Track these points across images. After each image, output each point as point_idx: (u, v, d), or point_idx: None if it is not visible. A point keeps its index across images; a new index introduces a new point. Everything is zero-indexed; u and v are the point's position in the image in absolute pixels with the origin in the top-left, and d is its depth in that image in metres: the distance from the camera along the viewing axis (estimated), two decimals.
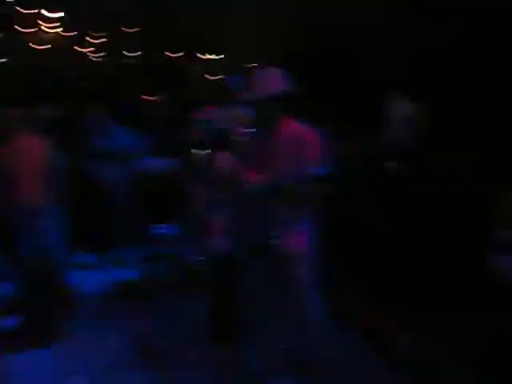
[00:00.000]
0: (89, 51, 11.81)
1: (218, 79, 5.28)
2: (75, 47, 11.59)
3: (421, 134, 5.51)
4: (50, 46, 11.13)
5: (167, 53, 11.83)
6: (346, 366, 3.34)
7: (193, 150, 2.94)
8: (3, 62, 9.86)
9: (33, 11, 10.78)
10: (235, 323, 3.19)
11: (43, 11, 10.88)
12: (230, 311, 3.24)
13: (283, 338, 3.12)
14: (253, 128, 3.13)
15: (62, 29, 11.26)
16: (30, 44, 10.85)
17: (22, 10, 10.58)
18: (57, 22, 11.03)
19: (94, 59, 11.78)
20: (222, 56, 11.76)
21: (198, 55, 11.94)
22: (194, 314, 3.82)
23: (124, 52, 11.88)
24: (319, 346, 3.18)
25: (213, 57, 12.08)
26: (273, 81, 2.94)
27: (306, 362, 3.27)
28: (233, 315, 3.23)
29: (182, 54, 11.83)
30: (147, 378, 3.33)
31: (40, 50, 10.93)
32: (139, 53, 11.85)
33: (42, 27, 11.02)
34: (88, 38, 11.82)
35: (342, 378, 3.25)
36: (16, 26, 10.70)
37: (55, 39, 11.28)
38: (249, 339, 2.94)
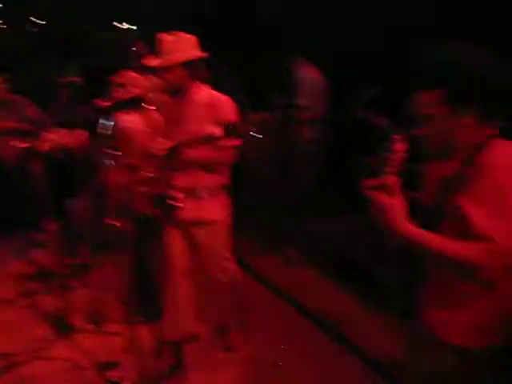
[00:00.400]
0: None
1: (129, 47, 5.15)
2: None
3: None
4: None
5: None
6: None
7: (101, 120, 2.83)
8: None
9: None
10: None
11: None
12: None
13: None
14: (163, 93, 3.05)
15: None
16: None
17: None
18: None
19: None
20: (135, 27, 11.50)
21: (116, 24, 11.54)
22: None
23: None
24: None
25: (128, 26, 11.85)
26: (182, 46, 2.89)
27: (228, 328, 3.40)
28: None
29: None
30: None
31: None
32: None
33: None
34: None
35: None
36: None
37: None
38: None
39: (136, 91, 3.13)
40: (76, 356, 3.32)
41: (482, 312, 1.59)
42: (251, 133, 5.18)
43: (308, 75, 5.34)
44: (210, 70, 3.08)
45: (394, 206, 1.48)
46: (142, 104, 3.21)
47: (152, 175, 2.54)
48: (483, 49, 1.54)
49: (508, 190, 1.46)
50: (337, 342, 3.46)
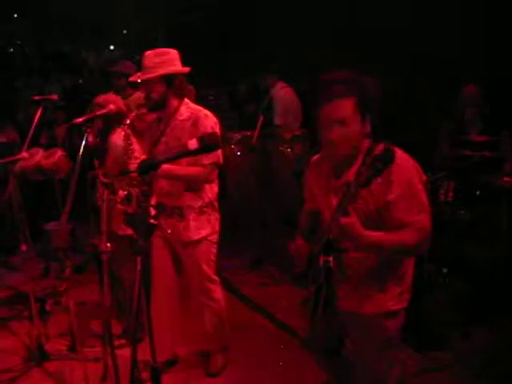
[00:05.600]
0: None
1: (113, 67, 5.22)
2: None
3: None
4: None
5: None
6: None
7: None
8: None
9: None
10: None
11: None
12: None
13: None
14: (144, 108, 3.01)
15: None
16: None
17: None
18: None
19: None
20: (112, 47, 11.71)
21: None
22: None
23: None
24: None
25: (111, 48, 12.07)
26: (162, 61, 2.84)
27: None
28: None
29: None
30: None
31: None
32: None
33: None
34: None
35: None
36: None
37: None
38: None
39: (112, 107, 3.05)
40: None
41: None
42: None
43: (283, 94, 5.39)
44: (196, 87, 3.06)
45: (353, 222, 1.82)
46: (119, 120, 3.15)
47: (128, 193, 2.46)
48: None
49: (415, 185, 1.94)
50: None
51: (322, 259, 1.86)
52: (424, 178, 1.99)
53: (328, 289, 1.89)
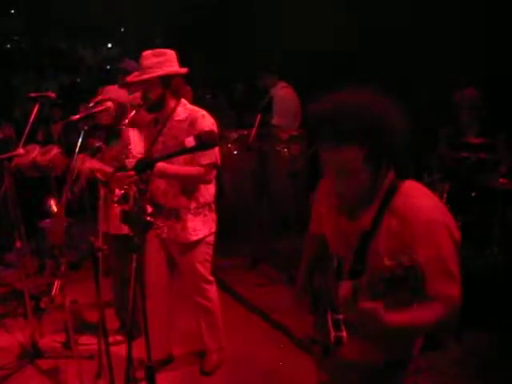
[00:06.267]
0: None
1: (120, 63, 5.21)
2: None
3: None
4: None
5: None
6: None
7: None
8: None
9: None
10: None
11: None
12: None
13: None
14: (141, 108, 3.00)
15: None
16: None
17: None
18: None
19: None
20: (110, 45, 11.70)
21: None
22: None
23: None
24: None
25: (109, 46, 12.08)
26: (160, 62, 2.83)
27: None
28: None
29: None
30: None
31: None
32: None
33: None
34: None
35: None
36: None
37: None
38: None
39: (109, 105, 3.04)
40: (46, 382, 3.16)
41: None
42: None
43: (283, 94, 5.39)
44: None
45: (377, 309, 1.48)
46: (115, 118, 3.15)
47: (125, 192, 2.46)
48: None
49: (443, 244, 1.56)
50: None
51: (329, 318, 1.63)
52: (456, 234, 1.60)
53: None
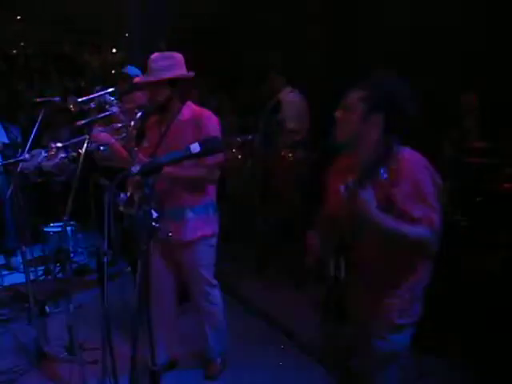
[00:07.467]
0: None
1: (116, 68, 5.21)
2: None
3: None
4: None
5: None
6: None
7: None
8: None
9: None
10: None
11: None
12: None
13: None
14: (149, 111, 3.01)
15: None
16: None
17: None
18: None
19: None
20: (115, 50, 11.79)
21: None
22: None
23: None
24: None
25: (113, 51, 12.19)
26: (167, 65, 2.87)
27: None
28: None
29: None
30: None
31: None
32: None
33: None
34: None
35: None
36: None
37: None
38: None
39: (114, 110, 3.06)
40: None
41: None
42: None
43: (292, 98, 5.37)
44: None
45: (371, 199, 1.84)
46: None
47: (130, 195, 2.47)
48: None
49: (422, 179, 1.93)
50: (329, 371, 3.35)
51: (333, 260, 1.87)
52: (439, 179, 1.98)
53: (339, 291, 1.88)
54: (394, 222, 1.87)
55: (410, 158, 1.96)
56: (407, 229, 1.88)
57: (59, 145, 3.15)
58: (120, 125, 3.05)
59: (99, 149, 2.88)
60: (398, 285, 2.01)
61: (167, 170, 2.64)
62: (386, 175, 1.83)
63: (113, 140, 3.00)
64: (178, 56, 2.94)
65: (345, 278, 1.88)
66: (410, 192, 1.89)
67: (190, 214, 2.96)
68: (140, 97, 3.40)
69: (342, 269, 1.86)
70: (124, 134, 2.96)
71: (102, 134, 2.95)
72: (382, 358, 2.04)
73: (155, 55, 2.89)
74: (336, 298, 1.92)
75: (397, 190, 1.89)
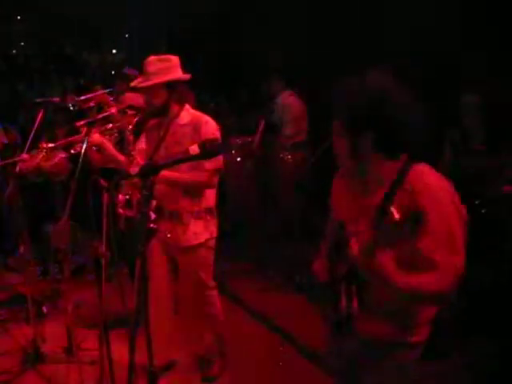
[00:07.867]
0: None
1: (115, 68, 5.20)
2: None
3: None
4: None
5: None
6: None
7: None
8: None
9: None
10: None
11: None
12: None
13: None
14: (147, 115, 3.02)
15: None
16: None
17: None
18: None
19: None
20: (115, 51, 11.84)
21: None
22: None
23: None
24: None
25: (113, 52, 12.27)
26: (164, 68, 2.86)
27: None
28: None
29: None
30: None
31: None
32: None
33: None
34: None
35: None
36: None
37: None
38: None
39: (113, 111, 3.06)
40: None
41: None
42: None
43: (291, 101, 5.37)
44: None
45: (388, 263, 1.61)
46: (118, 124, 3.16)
47: (129, 197, 2.47)
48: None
49: (453, 218, 1.68)
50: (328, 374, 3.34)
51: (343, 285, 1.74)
52: (464, 212, 1.74)
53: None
54: (408, 277, 1.64)
55: (430, 188, 1.67)
56: (423, 285, 1.65)
57: (50, 145, 3.15)
58: (111, 125, 3.06)
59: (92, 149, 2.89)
60: (409, 308, 1.84)
61: (166, 173, 2.67)
62: (398, 216, 1.51)
63: (104, 140, 3.00)
64: (174, 58, 2.93)
65: (354, 304, 1.72)
66: (437, 238, 1.62)
67: (189, 219, 2.97)
68: (131, 97, 3.41)
69: (353, 295, 1.71)
70: (116, 135, 2.96)
71: (93, 135, 2.95)
72: (389, 375, 1.90)
73: (151, 58, 2.88)
74: (346, 320, 1.78)
75: (422, 238, 1.61)
